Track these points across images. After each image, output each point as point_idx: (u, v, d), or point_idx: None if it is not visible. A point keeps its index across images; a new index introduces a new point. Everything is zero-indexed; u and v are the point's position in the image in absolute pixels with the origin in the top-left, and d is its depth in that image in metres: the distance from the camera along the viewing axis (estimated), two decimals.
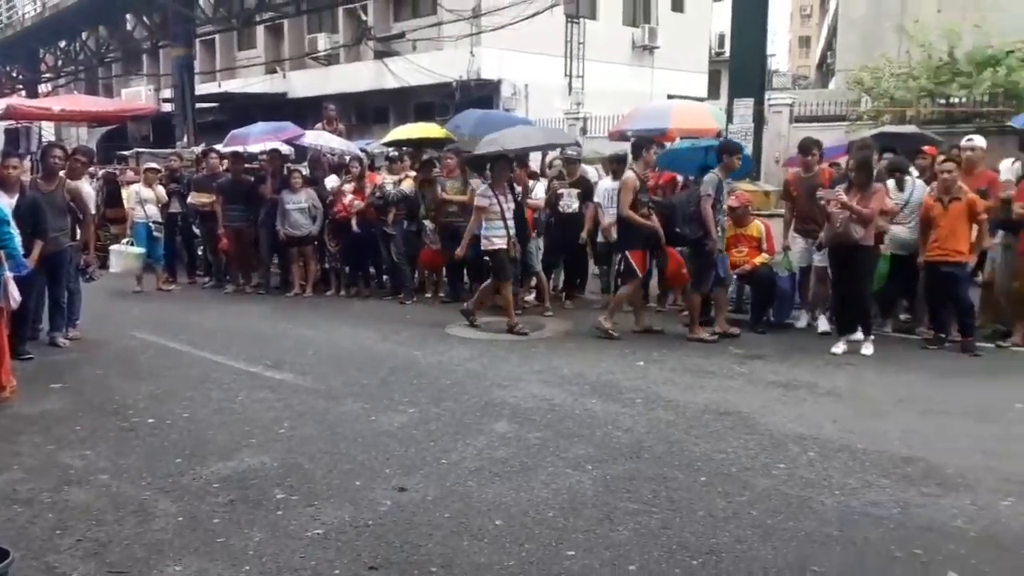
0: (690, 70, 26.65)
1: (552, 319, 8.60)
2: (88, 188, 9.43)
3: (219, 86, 27.39)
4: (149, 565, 3.25)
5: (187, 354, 7.23)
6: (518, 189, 8.74)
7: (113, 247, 10.77)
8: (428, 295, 10.27)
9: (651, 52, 25.18)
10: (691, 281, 7.78)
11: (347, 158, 11.33)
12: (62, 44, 31.46)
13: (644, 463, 4.32)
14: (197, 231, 11.65)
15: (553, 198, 9.47)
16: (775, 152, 13.23)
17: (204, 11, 23.23)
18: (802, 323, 8.09)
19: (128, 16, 27.04)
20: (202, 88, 25.39)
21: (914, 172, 7.77)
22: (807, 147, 7.92)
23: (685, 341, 7.46)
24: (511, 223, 7.94)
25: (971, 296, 7.17)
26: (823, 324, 7.78)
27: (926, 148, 8.37)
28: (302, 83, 24.90)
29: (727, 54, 12.90)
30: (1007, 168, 7.73)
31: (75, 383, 6.20)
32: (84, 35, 30.10)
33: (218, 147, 12.30)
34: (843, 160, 8.43)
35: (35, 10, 30.68)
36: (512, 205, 8.07)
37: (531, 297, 9.54)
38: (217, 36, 27.52)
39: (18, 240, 6.16)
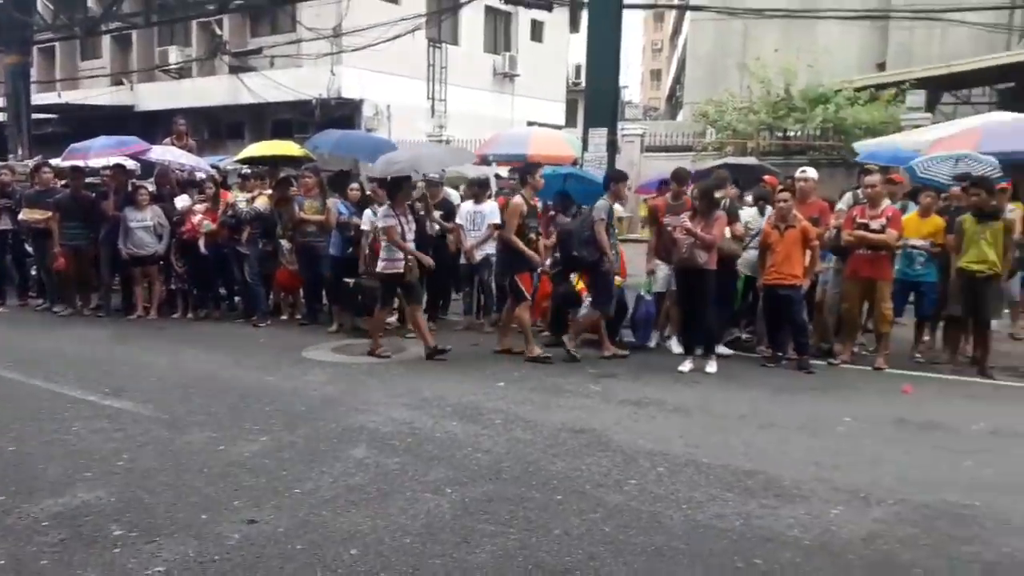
0: (548, 98, 27.42)
1: (414, 340, 8.53)
2: None
3: (59, 96, 25.63)
4: None
5: (16, 382, 6.66)
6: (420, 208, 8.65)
7: None
8: (284, 317, 9.96)
9: (511, 79, 25.71)
10: (595, 302, 7.90)
11: (198, 175, 10.85)
12: None
13: (502, 484, 4.35)
14: (30, 249, 10.82)
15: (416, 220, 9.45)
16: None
17: (43, 17, 21.69)
18: (653, 343, 8.43)
19: None
20: (39, 98, 23.66)
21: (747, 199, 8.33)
22: (682, 177, 8.24)
23: (597, 360, 7.67)
24: (412, 245, 7.77)
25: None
26: (675, 345, 8.13)
27: (766, 178, 8.95)
28: (151, 96, 23.71)
29: (583, 84, 13.40)
30: (845, 199, 8.43)
31: None
32: None
33: (55, 161, 11.49)
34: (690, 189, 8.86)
35: None
36: (414, 227, 7.92)
37: (393, 319, 9.43)
38: (58, 44, 25.81)
39: None
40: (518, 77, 25.78)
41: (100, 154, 11.04)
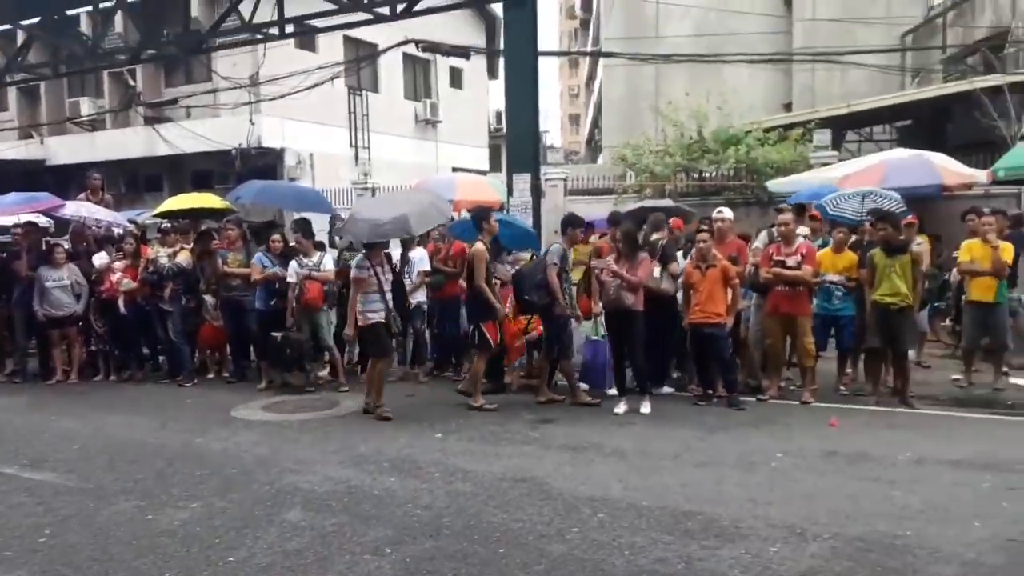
0: (471, 144, 27.71)
1: (348, 394, 8.42)
2: None
3: None
4: None
5: None
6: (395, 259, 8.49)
7: None
8: (210, 375, 9.70)
9: (434, 126, 25.90)
10: (556, 349, 7.92)
11: (115, 231, 10.55)
12: None
13: (444, 540, 4.30)
14: None
15: (345, 269, 9.37)
16: (553, 223, 13.98)
17: None
18: (585, 385, 8.51)
19: None
20: None
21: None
22: (618, 221, 8.40)
23: (534, 405, 7.69)
24: (389, 295, 7.55)
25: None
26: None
27: (671, 220, 9.16)
28: (64, 149, 22.94)
29: (505, 130, 13.62)
30: (761, 238, 8.75)
31: None
32: None
33: None
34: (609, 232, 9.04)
35: None
36: (390, 276, 7.71)
37: (324, 372, 9.28)
38: None
39: None
40: (440, 123, 25.99)
41: (10, 212, 10.60)
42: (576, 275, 8.60)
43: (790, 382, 8.30)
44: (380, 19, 12.35)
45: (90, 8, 14.84)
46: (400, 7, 11.94)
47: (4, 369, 10.00)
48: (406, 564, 3.99)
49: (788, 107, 22.89)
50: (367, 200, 10.71)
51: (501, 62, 15.09)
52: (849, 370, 8.39)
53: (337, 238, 10.94)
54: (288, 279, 8.74)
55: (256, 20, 13.06)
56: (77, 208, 10.97)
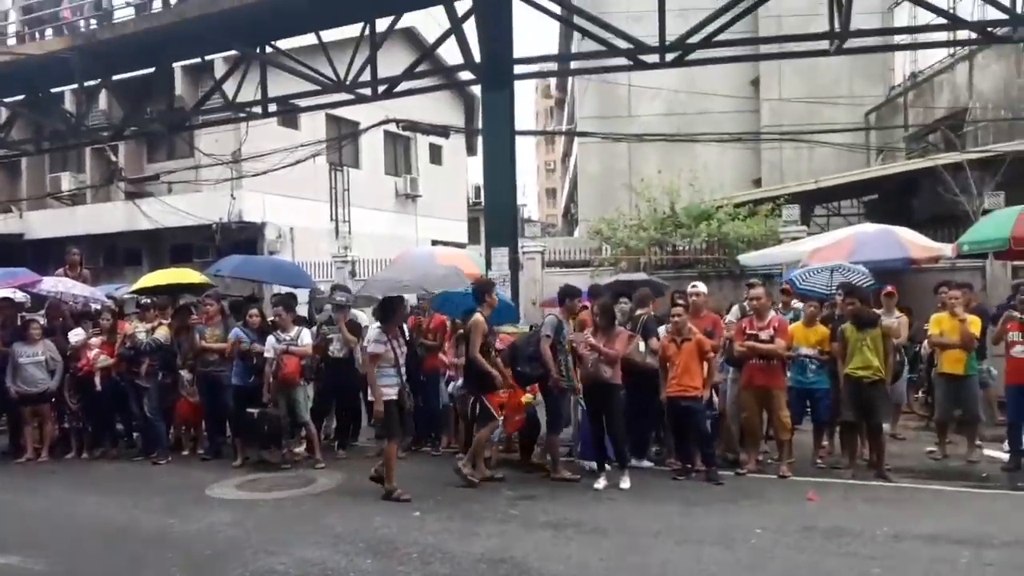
0: (451, 218, 28.09)
1: (324, 471, 8.32)
2: None
3: None
4: None
5: None
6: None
7: None
8: (185, 452, 9.56)
9: (414, 200, 26.26)
10: (547, 422, 7.89)
11: (93, 306, 10.51)
12: None
13: None
14: None
15: (323, 343, 9.39)
16: (531, 295, 14.15)
17: None
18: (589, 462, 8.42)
19: None
20: None
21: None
22: (598, 293, 8.49)
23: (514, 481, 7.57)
24: (403, 370, 7.37)
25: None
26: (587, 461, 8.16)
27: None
28: (43, 224, 22.94)
29: (483, 203, 13.91)
30: (733, 312, 8.91)
31: None
32: None
33: None
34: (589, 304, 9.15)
35: None
36: (404, 349, 7.52)
37: (301, 449, 9.18)
38: None
39: None
40: (420, 198, 26.36)
41: None
42: None
43: (767, 455, 8.33)
44: (362, 100, 12.69)
45: (75, 86, 15.08)
46: (381, 88, 12.30)
47: None
48: None
49: (758, 183, 23.54)
50: (388, 268, 10.71)
51: (479, 139, 15.47)
52: (825, 443, 8.44)
53: (316, 312, 10.98)
54: (265, 354, 8.72)
55: (240, 99, 13.39)
56: (54, 283, 10.95)
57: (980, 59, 17.14)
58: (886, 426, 8.47)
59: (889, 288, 9.17)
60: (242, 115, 14.36)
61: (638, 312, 8.41)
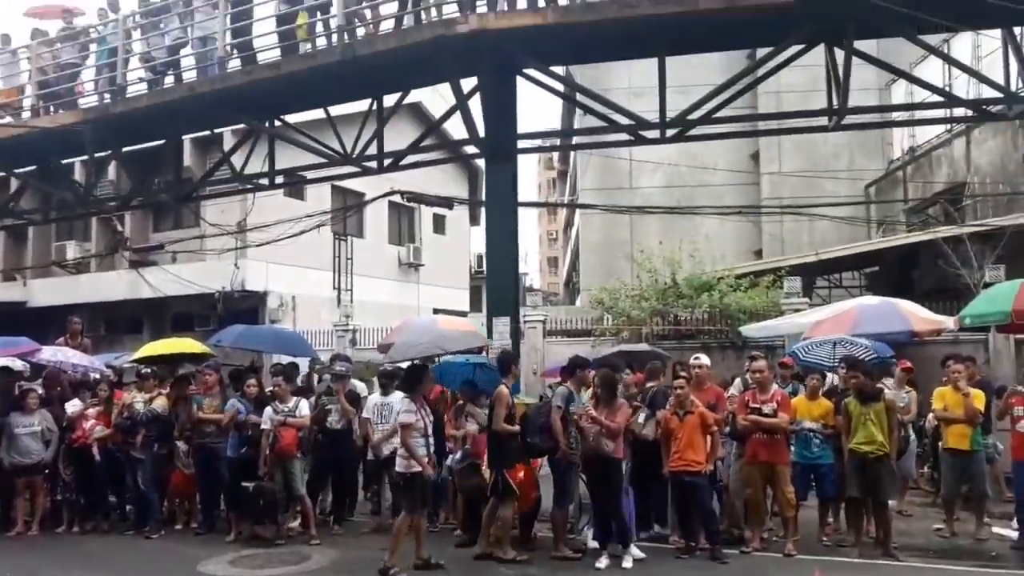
0: (453, 286, 28.20)
1: (319, 547, 8.13)
2: None
3: None
4: None
5: None
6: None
7: None
8: (178, 526, 9.37)
9: (416, 269, 26.41)
10: (553, 496, 7.74)
11: (91, 376, 10.47)
12: None
13: None
14: None
15: (321, 414, 9.29)
16: (532, 364, 14.09)
17: None
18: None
19: None
20: None
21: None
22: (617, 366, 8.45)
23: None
24: (431, 440, 7.24)
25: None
26: (590, 539, 7.94)
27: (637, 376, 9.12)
28: (46, 292, 23.04)
29: (485, 271, 13.97)
30: (736, 385, 8.85)
31: None
32: None
33: None
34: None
35: None
36: (432, 419, 7.39)
37: (295, 524, 9.00)
38: None
39: None
40: (423, 267, 26.53)
41: None
42: None
43: (772, 532, 8.15)
44: (368, 172, 12.89)
45: (85, 157, 15.34)
46: (387, 162, 12.51)
47: None
48: None
49: (759, 254, 23.68)
50: (394, 333, 10.75)
51: (483, 210, 15.65)
52: (831, 519, 8.28)
53: (315, 381, 10.93)
54: (262, 425, 8.64)
55: (247, 171, 13.60)
56: (54, 353, 10.93)
57: (977, 134, 17.43)
58: (893, 503, 8.30)
59: (907, 364, 9.12)
60: (249, 186, 14.57)
61: (649, 384, 8.34)
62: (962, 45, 15.45)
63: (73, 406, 9.63)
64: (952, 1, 8.38)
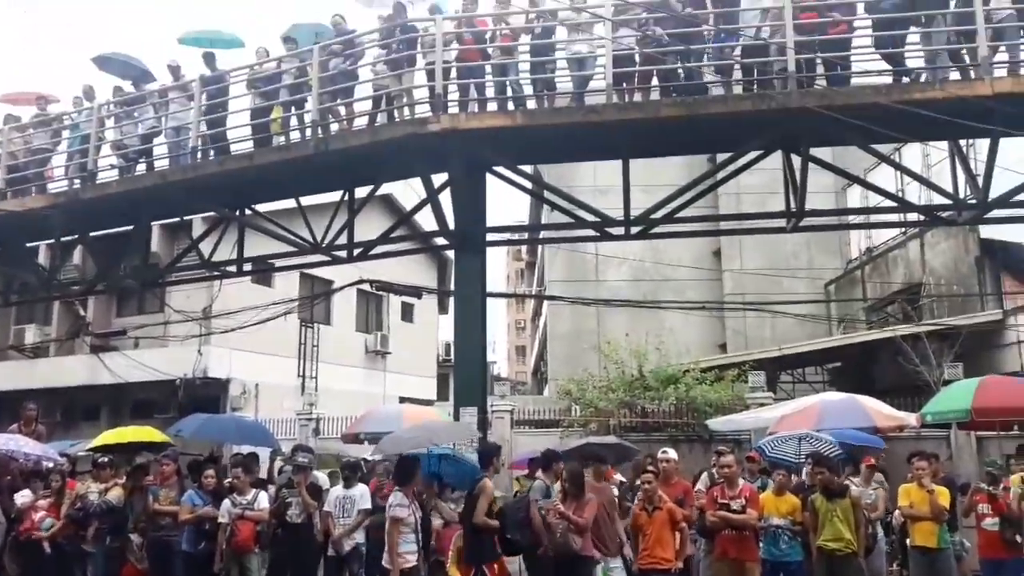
0: (420, 374, 28.00)
1: None
2: None
3: None
4: None
5: None
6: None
7: None
8: None
9: (383, 357, 26.23)
10: None
11: (44, 464, 10.13)
12: None
13: None
14: None
15: (281, 507, 9.04)
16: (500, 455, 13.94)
17: None
18: None
19: None
20: None
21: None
22: (600, 456, 8.38)
23: None
24: (420, 536, 7.10)
25: None
26: None
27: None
28: (1, 376, 22.45)
29: (453, 359, 13.96)
30: (703, 480, 8.83)
31: None
32: None
33: None
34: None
35: None
36: (420, 514, 7.27)
37: None
38: None
39: None
40: (390, 354, 26.37)
41: None
42: None
43: None
44: (338, 261, 12.97)
45: (51, 240, 15.25)
46: (357, 251, 12.61)
47: None
48: None
49: (723, 348, 24.00)
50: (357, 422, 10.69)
51: (452, 298, 15.73)
52: None
53: (276, 473, 10.69)
54: (219, 519, 8.38)
55: (215, 258, 13.60)
56: (6, 441, 10.57)
57: (930, 237, 18.12)
58: None
59: (870, 460, 9.20)
60: (216, 273, 14.53)
61: (639, 480, 8.29)
62: (913, 153, 16.22)
63: (22, 496, 9.28)
64: (901, 115, 8.82)
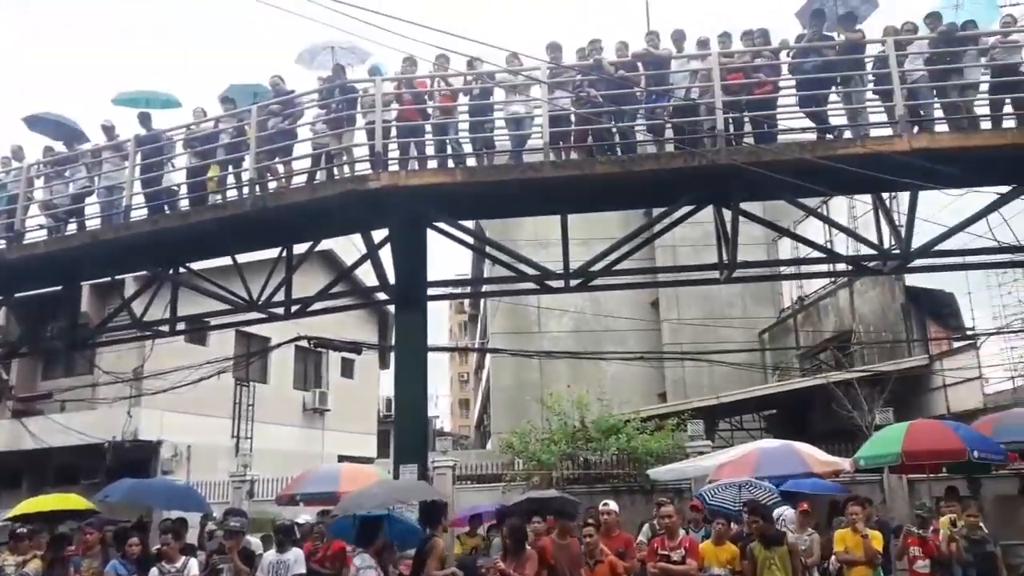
0: (360, 431, 27.48)
1: None
2: None
3: None
4: None
5: None
6: None
7: None
8: None
9: (322, 414, 25.72)
10: None
11: None
12: None
13: None
14: None
15: (212, 574, 8.72)
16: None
17: None
18: None
19: None
20: None
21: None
22: (570, 513, 8.33)
23: None
24: None
25: None
26: None
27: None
28: None
29: (394, 419, 13.76)
30: (644, 531, 8.83)
31: None
32: None
33: None
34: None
35: None
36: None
37: None
38: None
39: None
40: (329, 412, 25.87)
41: None
42: None
43: None
44: (276, 318, 12.78)
45: None
46: (295, 308, 12.46)
47: None
48: None
49: (663, 396, 24.28)
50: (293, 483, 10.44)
51: (392, 354, 15.60)
52: None
53: (207, 538, 10.32)
54: None
55: (148, 317, 13.25)
56: None
57: (859, 286, 18.80)
58: None
59: (804, 506, 9.33)
60: (149, 333, 14.14)
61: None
62: (840, 205, 16.91)
63: None
64: (826, 170, 9.22)
